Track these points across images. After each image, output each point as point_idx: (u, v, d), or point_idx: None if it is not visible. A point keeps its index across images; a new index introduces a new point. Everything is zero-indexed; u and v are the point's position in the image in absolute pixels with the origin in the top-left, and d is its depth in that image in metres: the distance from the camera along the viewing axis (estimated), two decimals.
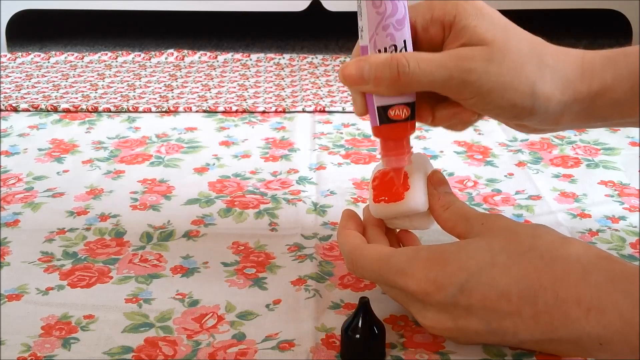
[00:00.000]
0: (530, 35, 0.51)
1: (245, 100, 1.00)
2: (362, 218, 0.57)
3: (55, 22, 1.47)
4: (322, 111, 0.96)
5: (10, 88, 1.05)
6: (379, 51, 0.49)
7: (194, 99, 1.01)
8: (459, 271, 0.47)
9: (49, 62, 1.18)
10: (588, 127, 0.55)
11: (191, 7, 1.30)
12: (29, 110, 0.97)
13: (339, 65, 1.17)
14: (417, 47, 0.51)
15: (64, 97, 1.01)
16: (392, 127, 0.51)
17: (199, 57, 1.20)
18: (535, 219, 0.68)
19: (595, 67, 0.51)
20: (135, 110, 0.96)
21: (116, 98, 1.01)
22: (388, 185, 0.54)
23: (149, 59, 1.20)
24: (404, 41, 0.49)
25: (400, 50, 0.49)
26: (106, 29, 1.46)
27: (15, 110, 0.97)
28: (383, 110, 0.50)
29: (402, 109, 0.50)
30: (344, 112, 0.96)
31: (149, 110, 0.96)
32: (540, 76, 0.49)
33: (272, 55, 1.21)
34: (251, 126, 0.92)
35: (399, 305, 0.55)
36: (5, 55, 1.19)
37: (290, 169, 0.79)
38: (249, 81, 1.09)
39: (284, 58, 1.20)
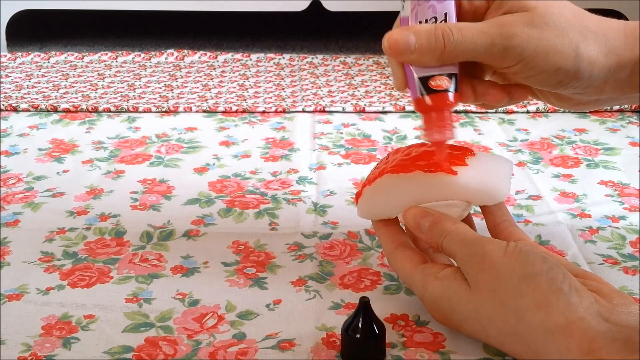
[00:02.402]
0: (571, 4, 0.51)
1: (245, 100, 1.00)
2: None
3: (55, 22, 1.47)
4: (322, 111, 0.96)
5: (10, 88, 1.05)
6: (420, 22, 0.49)
7: (194, 99, 1.01)
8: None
9: (49, 62, 1.18)
10: (629, 99, 0.55)
11: (191, 7, 1.30)
12: (29, 110, 0.97)
13: (339, 65, 1.17)
14: (461, 18, 0.51)
15: (64, 97, 1.01)
16: (434, 97, 0.49)
17: (199, 57, 1.20)
18: (535, 219, 0.68)
19: (638, 34, 0.51)
20: (135, 110, 0.96)
21: (116, 98, 1.01)
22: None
23: (149, 59, 1.20)
24: (445, 14, 0.49)
25: (440, 22, 0.49)
26: (106, 29, 1.46)
27: (15, 110, 0.97)
28: (424, 81, 0.49)
29: (443, 79, 0.49)
30: (344, 112, 0.96)
31: (149, 110, 0.96)
32: (583, 40, 0.49)
33: (272, 55, 1.21)
34: (251, 126, 0.92)
35: (400, 305, 0.55)
36: (5, 55, 1.19)
37: (290, 169, 0.79)
38: (249, 81, 1.09)
39: (284, 58, 1.20)
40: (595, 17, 0.51)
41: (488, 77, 0.54)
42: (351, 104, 0.98)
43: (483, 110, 0.95)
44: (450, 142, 0.51)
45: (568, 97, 0.54)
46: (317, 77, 1.11)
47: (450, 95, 0.49)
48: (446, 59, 0.49)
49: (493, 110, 0.95)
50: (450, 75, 0.49)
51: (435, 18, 0.49)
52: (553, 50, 0.49)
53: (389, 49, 0.49)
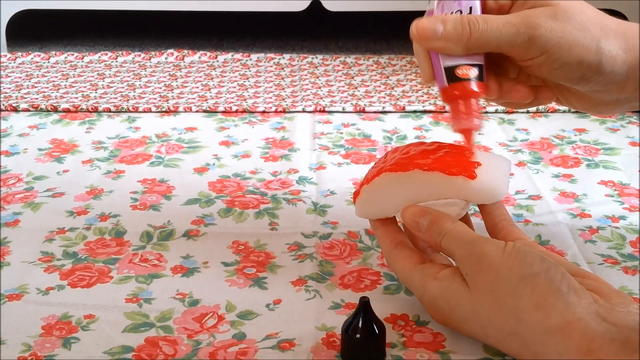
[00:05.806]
0: (590, 5, 0.53)
1: (245, 100, 1.00)
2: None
3: (55, 22, 1.47)
4: (322, 111, 0.96)
5: (10, 88, 1.05)
6: (445, 15, 0.51)
7: (194, 99, 1.01)
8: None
9: (49, 62, 1.18)
10: None
11: (191, 7, 1.30)
12: (29, 110, 0.97)
13: (339, 65, 1.17)
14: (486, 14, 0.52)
15: (64, 97, 1.01)
16: (460, 86, 0.51)
17: (199, 57, 1.20)
18: (535, 219, 0.68)
19: None
20: (135, 110, 0.96)
21: (116, 98, 1.01)
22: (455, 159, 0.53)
23: (149, 59, 1.20)
24: (470, 7, 0.51)
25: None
26: (106, 29, 1.46)
27: (15, 110, 0.97)
28: (450, 70, 0.51)
29: (469, 68, 0.51)
30: (344, 112, 0.96)
31: (149, 110, 0.96)
32: (604, 36, 0.51)
33: (272, 55, 1.21)
34: (251, 126, 0.92)
35: (400, 305, 0.55)
36: (5, 55, 1.19)
37: (290, 169, 0.79)
38: (249, 81, 1.09)
39: (284, 58, 1.20)
40: (613, 18, 0.53)
41: (513, 76, 0.55)
42: (351, 104, 0.98)
43: (483, 111, 0.95)
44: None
45: (590, 97, 0.55)
46: (317, 77, 1.11)
47: (477, 84, 0.51)
48: (472, 47, 0.50)
49: (493, 110, 0.95)
50: (476, 65, 0.51)
51: (461, 11, 0.51)
52: (575, 42, 0.50)
53: (417, 35, 0.50)
